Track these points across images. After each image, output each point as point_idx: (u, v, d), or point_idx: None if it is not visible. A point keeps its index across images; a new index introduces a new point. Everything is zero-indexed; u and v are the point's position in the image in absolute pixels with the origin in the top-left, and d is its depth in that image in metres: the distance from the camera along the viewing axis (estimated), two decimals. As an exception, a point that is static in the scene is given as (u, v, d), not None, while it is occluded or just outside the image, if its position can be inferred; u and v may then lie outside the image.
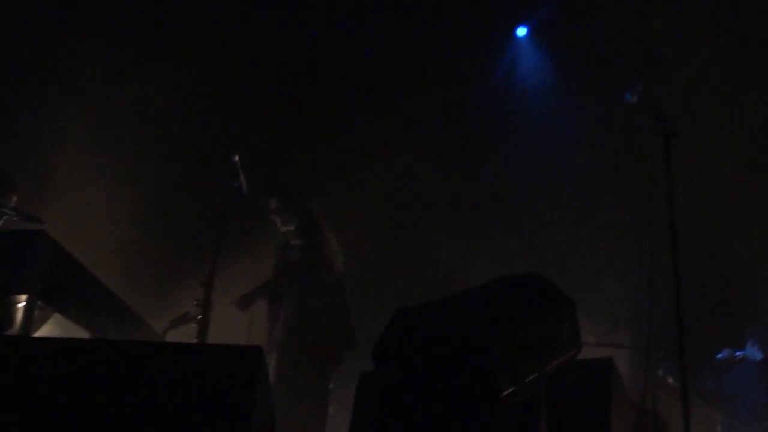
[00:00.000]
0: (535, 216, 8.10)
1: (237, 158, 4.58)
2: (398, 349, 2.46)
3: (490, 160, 8.26)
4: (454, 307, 2.64)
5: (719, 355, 6.73)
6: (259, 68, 7.78)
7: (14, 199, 5.03)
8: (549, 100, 8.27)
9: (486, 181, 8.20)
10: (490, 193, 8.12)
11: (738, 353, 6.67)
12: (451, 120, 8.04)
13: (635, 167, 6.16)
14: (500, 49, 8.58)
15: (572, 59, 8.16)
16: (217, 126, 7.54)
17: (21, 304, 3.63)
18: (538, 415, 2.43)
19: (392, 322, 2.53)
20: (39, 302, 3.59)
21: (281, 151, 7.87)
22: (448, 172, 7.87)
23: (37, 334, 3.99)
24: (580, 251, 7.56)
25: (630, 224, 6.57)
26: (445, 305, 2.65)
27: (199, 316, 4.07)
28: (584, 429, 2.62)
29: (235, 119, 7.70)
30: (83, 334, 3.98)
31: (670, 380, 5.97)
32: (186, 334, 4.47)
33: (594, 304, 5.77)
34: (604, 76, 7.34)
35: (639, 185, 5.54)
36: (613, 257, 7.38)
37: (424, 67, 7.96)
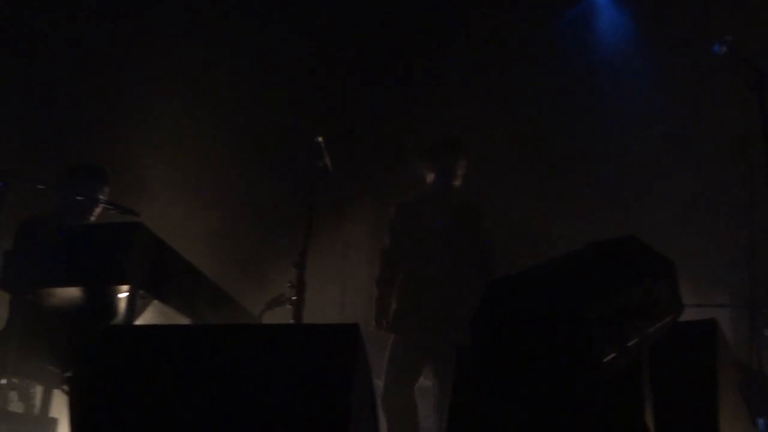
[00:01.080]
0: (623, 177, 7.95)
1: (321, 139, 4.63)
2: (495, 321, 2.47)
3: (573, 121, 8.13)
4: (549, 274, 2.63)
5: None
6: (342, 49, 7.84)
7: (107, 191, 5.20)
8: (632, 55, 8.08)
9: (570, 142, 8.08)
10: (574, 155, 7.99)
11: None
12: (531, 80, 7.93)
13: (727, 119, 5.99)
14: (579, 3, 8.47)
15: (656, 13, 7.95)
16: (301, 108, 7.61)
17: (123, 295, 3.78)
18: (642, 380, 2.41)
19: (487, 293, 2.53)
20: (140, 291, 3.74)
21: (364, 131, 7.92)
22: (529, 134, 7.76)
23: (139, 322, 4.15)
24: (673, 211, 7.39)
25: (726, 179, 6.38)
26: (539, 273, 2.64)
27: (294, 297, 4.14)
28: (690, 392, 2.58)
29: (317, 100, 7.78)
30: (183, 320, 4.12)
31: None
32: (282, 316, 4.55)
33: (692, 264, 5.64)
34: (690, 27, 7.14)
35: (734, 139, 5.40)
36: (710, 214, 7.20)
37: (504, 27, 7.89)
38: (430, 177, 5.33)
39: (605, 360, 2.33)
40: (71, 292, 3.88)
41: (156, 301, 3.98)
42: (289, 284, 4.24)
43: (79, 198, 4.91)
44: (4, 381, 3.94)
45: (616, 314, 2.40)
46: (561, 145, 7.96)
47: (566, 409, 2.34)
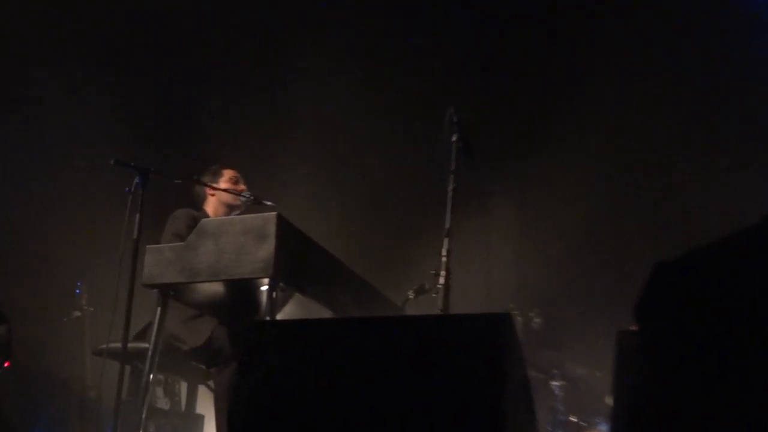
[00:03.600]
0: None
1: (455, 116, 4.54)
2: (662, 306, 2.34)
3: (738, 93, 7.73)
4: (720, 255, 2.47)
5: None
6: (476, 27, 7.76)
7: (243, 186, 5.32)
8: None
9: (736, 114, 7.69)
10: (740, 127, 7.61)
11: None
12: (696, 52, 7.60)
13: None
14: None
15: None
16: (443, 84, 7.56)
17: (264, 288, 3.83)
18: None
19: (652, 278, 2.40)
20: (281, 284, 3.78)
21: (503, 109, 7.80)
22: (694, 109, 7.44)
23: (280, 316, 4.21)
24: None
25: None
26: (709, 254, 2.49)
27: (439, 285, 4.09)
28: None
29: (459, 75, 7.71)
30: (325, 313, 4.15)
31: None
32: (426, 305, 4.52)
33: None
34: None
35: None
36: None
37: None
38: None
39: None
40: (213, 287, 3.96)
41: (297, 294, 4.01)
42: (433, 271, 4.19)
43: (217, 190, 5.06)
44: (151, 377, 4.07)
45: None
46: (730, 117, 7.58)
47: (745, 397, 2.20)
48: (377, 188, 7.81)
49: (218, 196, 5.14)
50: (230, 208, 5.13)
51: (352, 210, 7.58)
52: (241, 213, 5.06)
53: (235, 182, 5.18)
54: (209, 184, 5.10)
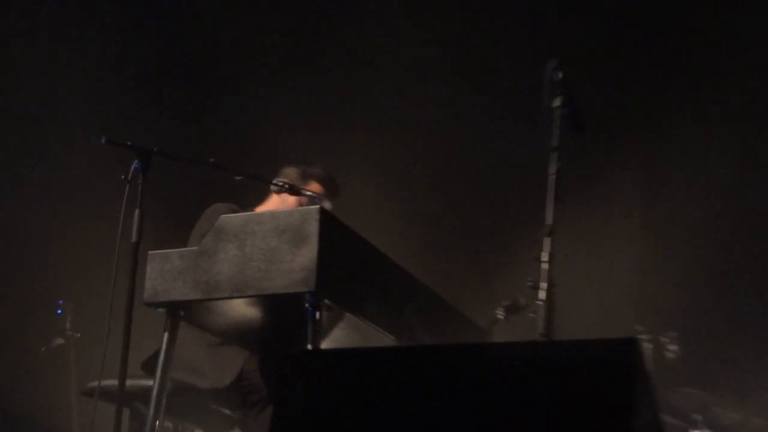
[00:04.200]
0: None
1: (558, 73, 4.50)
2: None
3: None
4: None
5: None
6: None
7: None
8: None
9: None
10: None
11: None
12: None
13: None
14: None
15: None
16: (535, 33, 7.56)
17: (305, 307, 3.83)
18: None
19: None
20: (327, 302, 3.78)
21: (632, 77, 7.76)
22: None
23: (327, 343, 4.22)
24: None
25: None
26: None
27: (539, 301, 4.06)
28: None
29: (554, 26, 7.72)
30: (386, 340, 4.15)
31: None
32: (522, 328, 4.50)
33: None
34: None
35: None
36: None
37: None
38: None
39: None
40: (237, 306, 3.99)
41: (348, 315, 4.02)
42: (531, 283, 4.16)
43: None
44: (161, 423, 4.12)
45: None
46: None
47: None
48: (453, 174, 7.82)
49: (289, 200, 5.20)
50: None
51: (421, 203, 7.59)
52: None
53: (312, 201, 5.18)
54: (295, 185, 5.08)
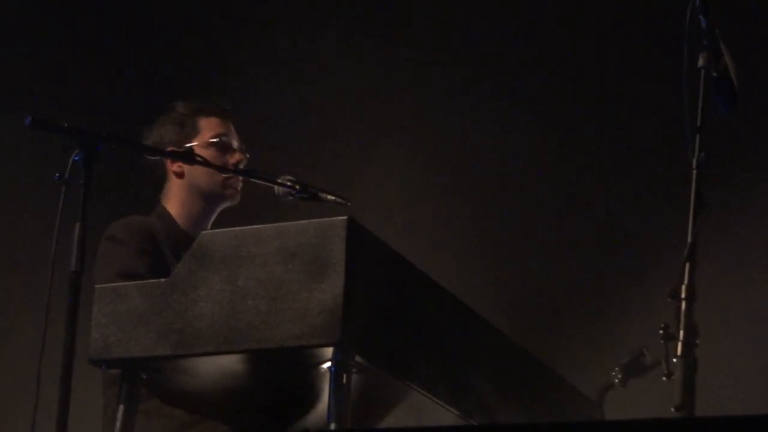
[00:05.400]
0: None
1: (705, 20, 4.48)
2: None
3: None
4: None
5: None
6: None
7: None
8: None
9: None
10: None
11: None
12: None
13: None
14: None
15: None
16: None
17: (325, 366, 3.82)
18: None
19: None
20: (358, 359, 3.76)
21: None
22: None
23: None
24: None
25: None
26: None
27: (675, 357, 4.04)
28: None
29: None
30: (446, 416, 4.13)
31: None
32: (649, 397, 4.47)
33: None
34: None
35: None
36: None
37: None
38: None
39: None
40: (226, 365, 3.99)
41: (389, 377, 4.00)
42: (662, 329, 4.14)
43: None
44: None
45: None
46: None
47: None
48: (540, 175, 7.87)
49: (190, 175, 5.22)
50: (213, 201, 5.25)
51: (496, 217, 7.65)
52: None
53: (223, 146, 5.19)
54: (170, 150, 5.09)
